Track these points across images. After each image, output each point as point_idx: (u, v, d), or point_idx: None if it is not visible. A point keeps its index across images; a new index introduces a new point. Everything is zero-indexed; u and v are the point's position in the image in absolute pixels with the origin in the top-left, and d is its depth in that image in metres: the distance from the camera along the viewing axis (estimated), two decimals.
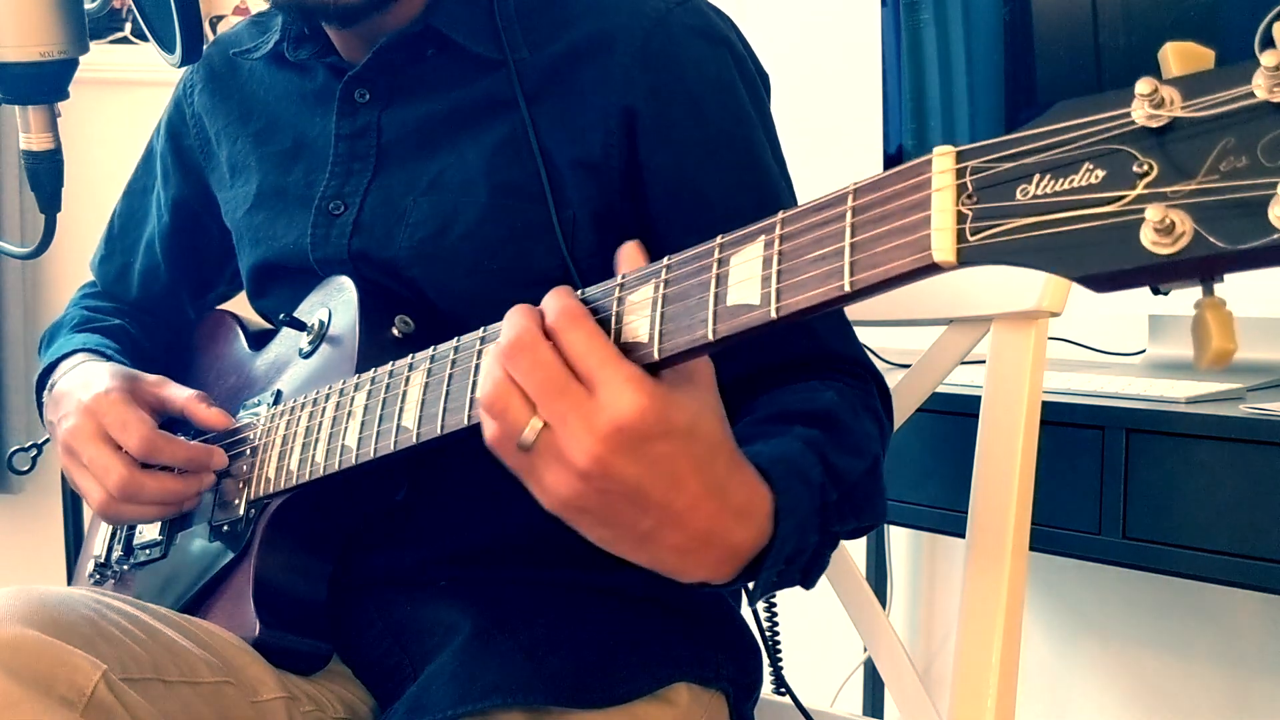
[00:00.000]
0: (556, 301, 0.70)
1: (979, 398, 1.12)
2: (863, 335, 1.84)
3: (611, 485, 0.67)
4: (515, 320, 0.69)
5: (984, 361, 1.13)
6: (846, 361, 0.98)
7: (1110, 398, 1.36)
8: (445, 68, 1.03)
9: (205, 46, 1.21)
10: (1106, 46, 1.57)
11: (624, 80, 0.98)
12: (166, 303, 1.28)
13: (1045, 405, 1.13)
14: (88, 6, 1.12)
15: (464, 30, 1.01)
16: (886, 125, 1.87)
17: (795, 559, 0.76)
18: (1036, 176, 0.52)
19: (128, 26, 2.67)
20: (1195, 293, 0.51)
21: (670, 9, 1.00)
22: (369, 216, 1.02)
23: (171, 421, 1.09)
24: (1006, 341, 1.11)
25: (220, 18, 2.80)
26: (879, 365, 1.73)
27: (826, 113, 2.21)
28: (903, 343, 1.79)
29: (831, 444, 0.82)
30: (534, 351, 0.67)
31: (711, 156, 0.98)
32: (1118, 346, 1.75)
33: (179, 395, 1.07)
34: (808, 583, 0.80)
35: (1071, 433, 1.35)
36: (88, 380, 1.07)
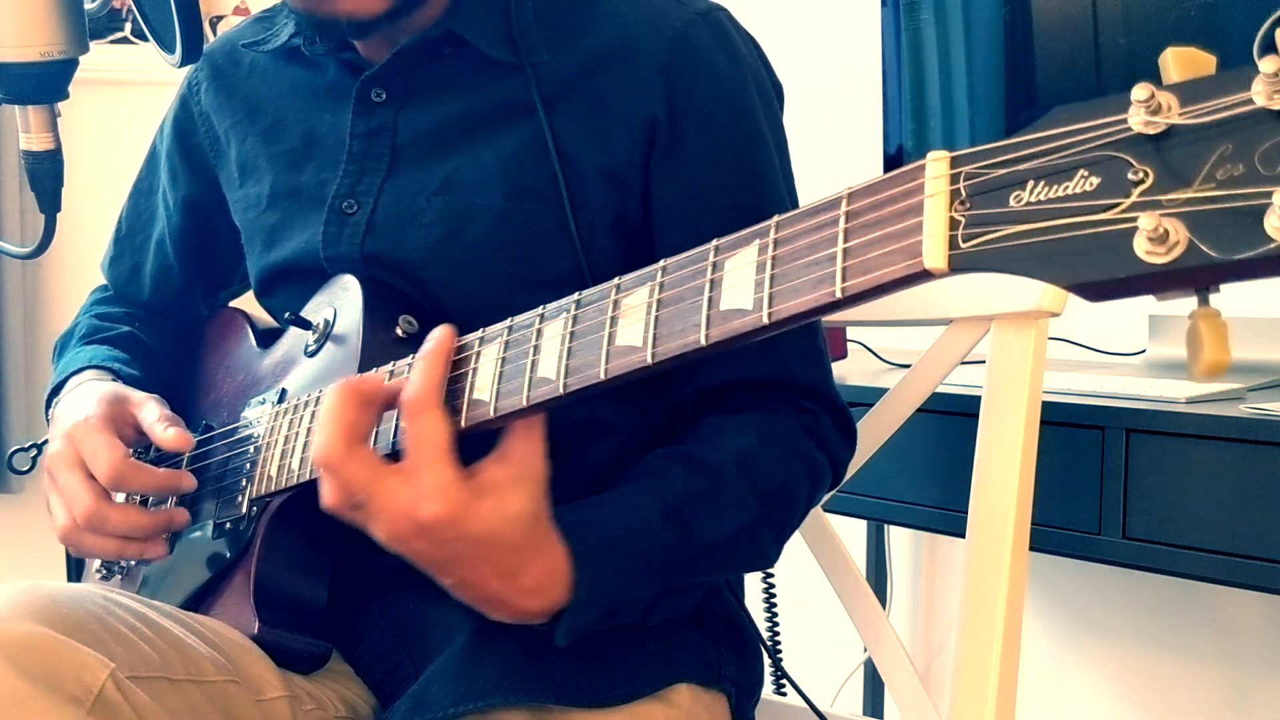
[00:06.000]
0: (418, 381, 0.80)
1: (979, 398, 1.12)
2: (863, 335, 1.85)
3: (411, 553, 0.81)
4: (339, 408, 0.81)
5: (984, 361, 1.13)
6: (804, 391, 0.99)
7: (1110, 398, 1.36)
8: (463, 70, 1.03)
9: (206, 46, 1.21)
10: (1107, 48, 1.57)
11: (648, 91, 0.98)
12: (180, 302, 1.28)
13: (1045, 405, 1.13)
14: (88, 6, 1.12)
15: (483, 35, 1.01)
16: (886, 126, 1.87)
17: (621, 610, 0.87)
18: (1030, 183, 0.51)
19: (128, 26, 2.66)
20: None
21: (692, 20, 1.00)
22: (382, 216, 1.02)
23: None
24: (1006, 341, 1.11)
25: (220, 18, 2.79)
26: (878, 365, 1.75)
27: (826, 113, 2.21)
28: (903, 343, 1.80)
29: (702, 504, 0.90)
30: (349, 463, 0.79)
31: (716, 175, 0.98)
32: (1118, 346, 1.76)
33: (148, 417, 1.06)
34: (648, 620, 0.90)
35: (1071, 433, 1.35)
36: (78, 403, 1.07)
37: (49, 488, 1.06)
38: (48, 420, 1.17)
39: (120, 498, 1.05)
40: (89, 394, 1.08)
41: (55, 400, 1.15)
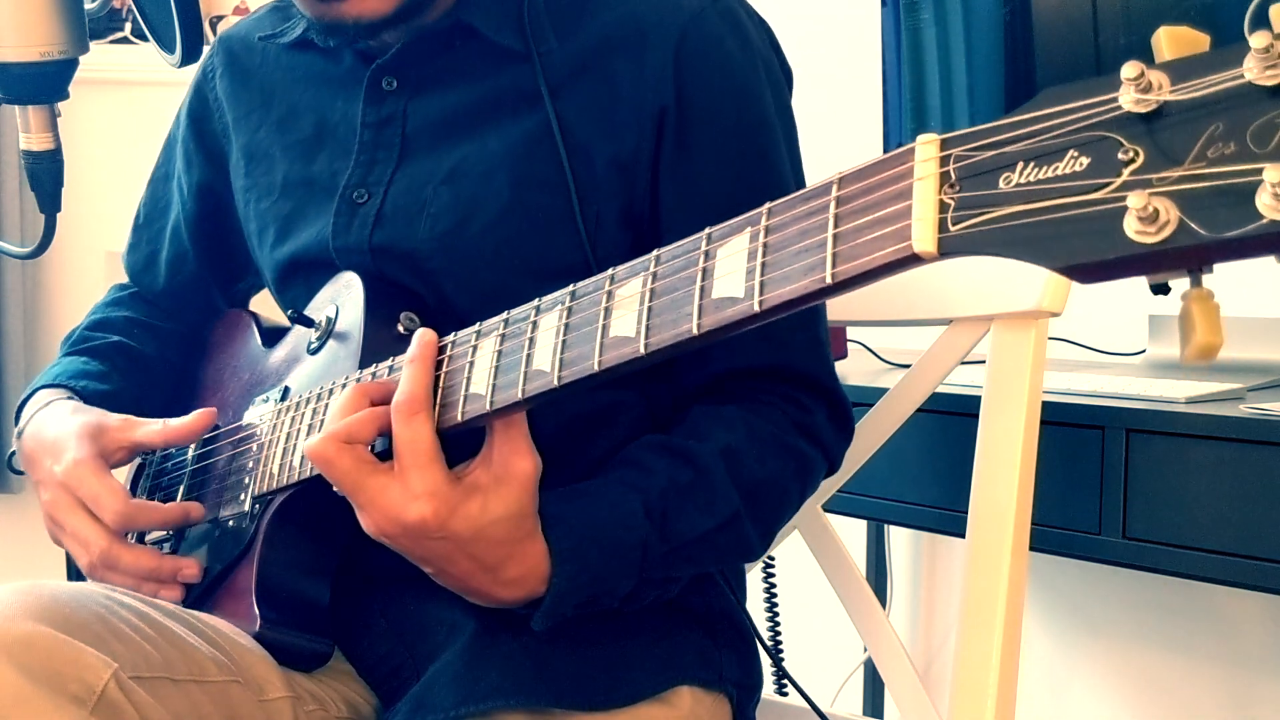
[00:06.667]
0: (408, 386, 0.82)
1: (979, 398, 1.12)
2: (863, 335, 1.85)
3: (396, 548, 0.84)
4: (349, 410, 0.84)
5: (984, 361, 1.13)
6: (803, 381, 0.99)
7: (1110, 398, 1.36)
8: (472, 59, 1.03)
9: (222, 33, 1.21)
10: (1106, 46, 1.57)
11: (658, 78, 0.98)
12: (194, 291, 1.26)
13: (1045, 405, 1.13)
14: (88, 6, 1.12)
15: (492, 24, 1.01)
16: (886, 125, 1.87)
17: (600, 599, 0.88)
18: (1020, 164, 0.51)
19: (128, 26, 2.66)
20: None
21: (704, 7, 0.99)
22: (391, 207, 1.02)
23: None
24: (1006, 341, 1.11)
25: (220, 18, 2.79)
26: (878, 365, 1.74)
27: (826, 113, 2.21)
28: (903, 343, 1.79)
29: (685, 498, 0.91)
30: (342, 456, 0.82)
31: (724, 165, 0.98)
32: (1118, 346, 1.75)
33: (151, 436, 1.06)
34: (627, 607, 0.91)
35: (1071, 433, 1.35)
36: (56, 444, 1.07)
37: (57, 534, 1.06)
38: (17, 423, 1.16)
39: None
40: (64, 430, 1.07)
41: (20, 425, 1.15)
